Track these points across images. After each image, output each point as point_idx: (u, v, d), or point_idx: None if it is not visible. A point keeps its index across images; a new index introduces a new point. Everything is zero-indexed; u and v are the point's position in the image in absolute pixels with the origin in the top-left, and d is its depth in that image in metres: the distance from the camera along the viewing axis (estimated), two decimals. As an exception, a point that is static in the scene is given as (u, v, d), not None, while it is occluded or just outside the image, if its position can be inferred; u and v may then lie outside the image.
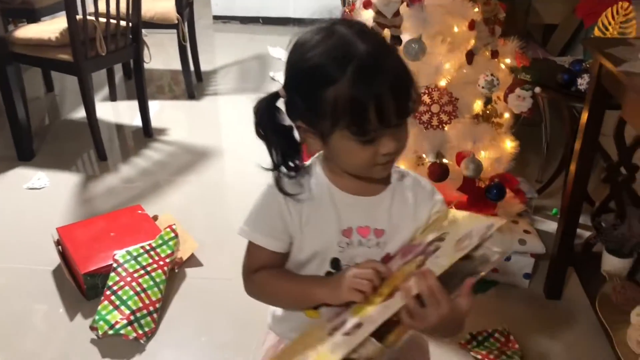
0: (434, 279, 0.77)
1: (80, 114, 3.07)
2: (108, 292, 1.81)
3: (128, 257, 1.89)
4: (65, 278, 1.94)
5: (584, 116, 1.69)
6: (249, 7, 5.13)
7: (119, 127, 3.26)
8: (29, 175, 2.65)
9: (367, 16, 1.84)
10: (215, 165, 2.81)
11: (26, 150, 2.78)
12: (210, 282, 2.00)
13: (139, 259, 1.90)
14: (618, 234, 1.79)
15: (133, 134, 3.15)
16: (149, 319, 1.78)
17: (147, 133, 3.06)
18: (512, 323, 1.80)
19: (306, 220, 0.91)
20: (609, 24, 2.07)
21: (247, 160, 2.61)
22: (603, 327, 1.63)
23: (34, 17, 3.14)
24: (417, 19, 1.74)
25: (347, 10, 2.25)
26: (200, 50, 3.72)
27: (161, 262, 1.92)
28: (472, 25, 1.82)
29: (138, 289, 1.82)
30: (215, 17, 5.22)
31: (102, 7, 2.61)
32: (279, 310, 1.03)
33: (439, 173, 1.81)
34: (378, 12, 1.74)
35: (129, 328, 1.74)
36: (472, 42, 1.85)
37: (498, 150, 1.91)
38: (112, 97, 3.50)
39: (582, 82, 2.10)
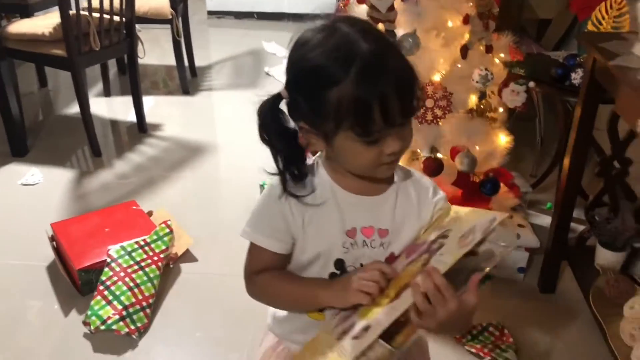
0: (440, 276, 0.77)
1: (74, 109, 3.07)
2: (101, 287, 1.80)
3: (122, 253, 1.89)
4: (59, 274, 1.94)
5: (578, 110, 1.70)
6: (243, 3, 5.11)
7: (113, 123, 3.25)
8: (22, 171, 2.64)
9: (361, 11, 1.84)
10: (210, 161, 2.80)
11: (20, 146, 2.77)
12: (205, 278, 2.00)
13: (133, 254, 1.90)
14: (611, 228, 1.80)
15: (127, 130, 3.14)
16: (141, 314, 1.77)
17: (141, 129, 3.05)
18: (506, 317, 1.80)
19: (309, 220, 0.89)
20: (603, 18, 2.07)
21: (241, 156, 2.66)
22: (597, 321, 1.64)
23: (27, 12, 3.11)
24: (412, 14, 1.75)
25: (341, 4, 2.24)
26: (194, 45, 3.70)
27: (155, 258, 1.92)
28: (466, 20, 1.82)
29: (131, 284, 1.82)
30: (210, 12, 5.20)
31: (95, 2, 2.60)
32: (280, 312, 1.01)
33: (433, 168, 1.81)
34: (372, 7, 1.73)
35: (121, 323, 1.74)
36: (467, 36, 1.85)
37: (492, 145, 1.92)
38: (106, 92, 3.48)
39: (576, 77, 2.11)
